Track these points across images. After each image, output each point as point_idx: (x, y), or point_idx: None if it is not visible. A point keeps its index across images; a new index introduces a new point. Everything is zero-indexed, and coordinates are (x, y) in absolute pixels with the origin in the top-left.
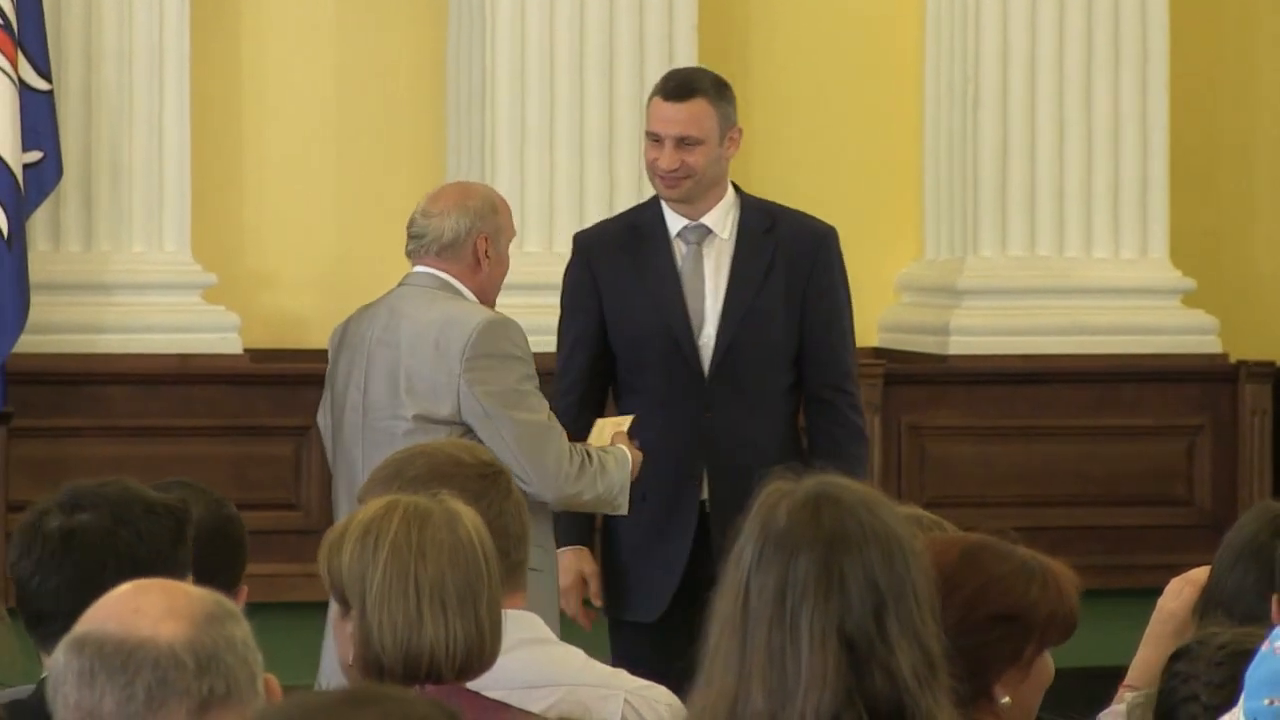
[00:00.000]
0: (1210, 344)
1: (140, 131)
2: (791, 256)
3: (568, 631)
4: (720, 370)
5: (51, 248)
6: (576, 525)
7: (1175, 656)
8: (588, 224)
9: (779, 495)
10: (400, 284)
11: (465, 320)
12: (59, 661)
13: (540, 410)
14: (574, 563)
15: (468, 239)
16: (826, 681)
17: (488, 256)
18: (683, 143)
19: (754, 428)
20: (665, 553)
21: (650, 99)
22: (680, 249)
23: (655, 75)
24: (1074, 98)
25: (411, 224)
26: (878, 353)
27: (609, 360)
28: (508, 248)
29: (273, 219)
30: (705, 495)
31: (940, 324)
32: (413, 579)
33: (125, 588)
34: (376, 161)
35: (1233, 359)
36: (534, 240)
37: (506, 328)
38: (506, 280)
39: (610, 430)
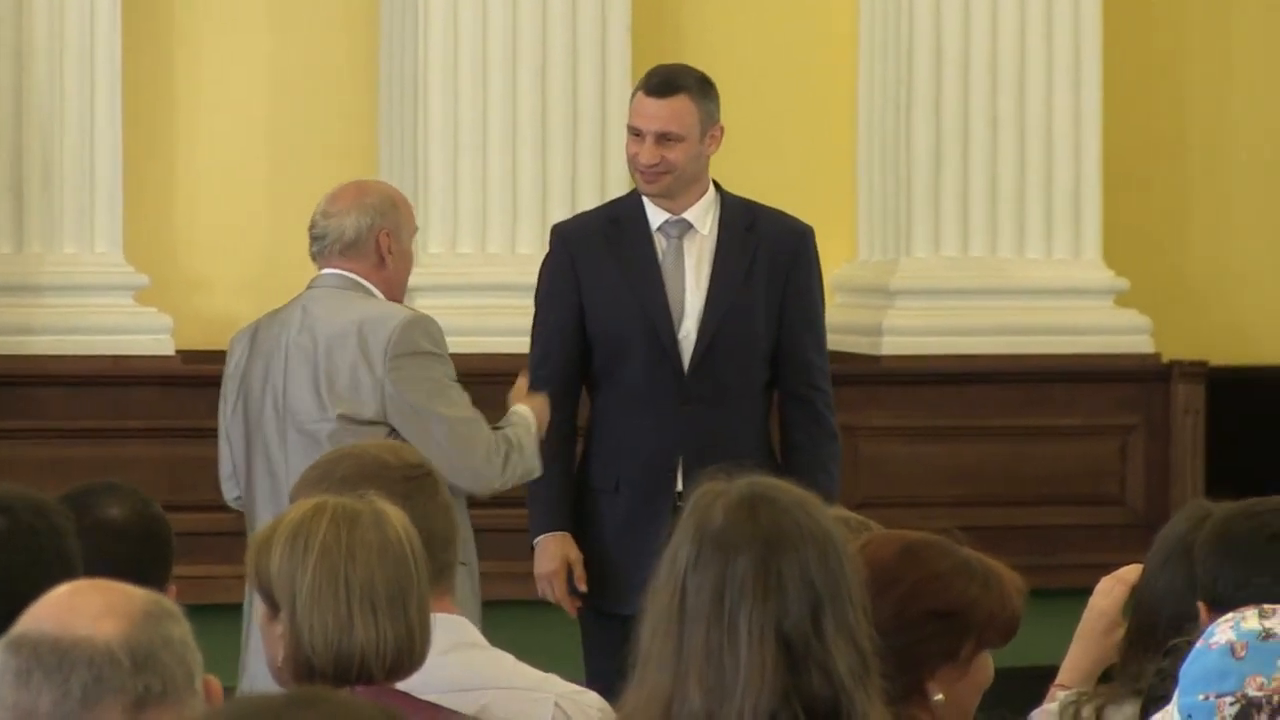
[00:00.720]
0: (1143, 344)
1: (72, 132)
2: (772, 254)
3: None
4: (700, 365)
5: None
6: (558, 511)
7: (1164, 654)
8: (521, 220)
9: (713, 495)
10: (309, 287)
11: (385, 319)
12: None
13: (464, 405)
14: (559, 548)
15: (369, 236)
16: (764, 680)
17: (390, 252)
18: (663, 138)
19: (730, 422)
20: (641, 546)
21: (634, 94)
22: (661, 243)
23: (589, 75)
24: (1007, 99)
25: (312, 225)
26: None
27: (586, 352)
28: (410, 243)
29: (205, 221)
30: (680, 488)
31: (873, 324)
32: (343, 580)
33: (64, 588)
34: (309, 164)
35: (1165, 359)
36: (466, 240)
37: (426, 325)
38: (440, 281)
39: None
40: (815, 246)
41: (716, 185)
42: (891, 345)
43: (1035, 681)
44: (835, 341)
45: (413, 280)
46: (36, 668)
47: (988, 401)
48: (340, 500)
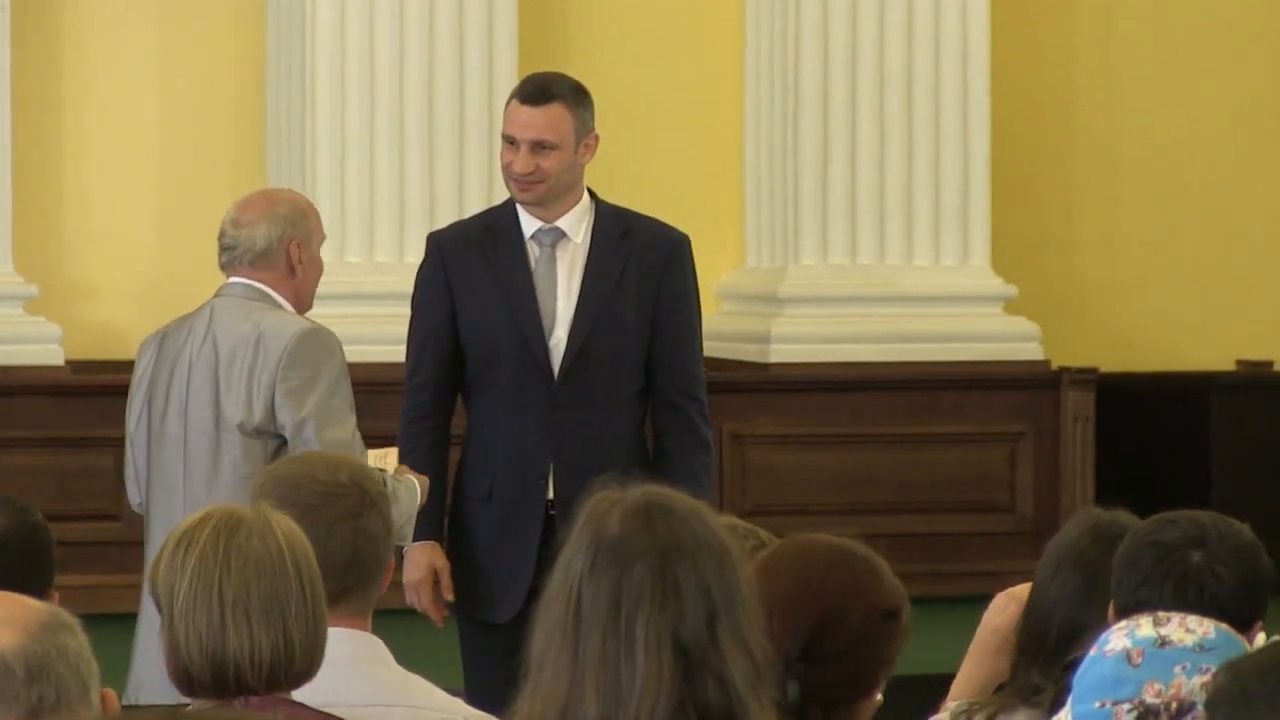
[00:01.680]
0: (1032, 351)
1: None
2: (645, 263)
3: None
4: (570, 372)
5: None
6: (427, 520)
7: (1065, 668)
8: (409, 229)
9: (608, 503)
10: (216, 295)
11: (282, 330)
12: None
13: (346, 428)
14: (425, 557)
15: (280, 246)
16: (660, 688)
17: (301, 262)
18: (538, 147)
19: (602, 430)
20: (514, 553)
21: (508, 102)
22: (534, 251)
23: (475, 77)
24: (895, 105)
25: (222, 235)
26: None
27: (460, 359)
28: (319, 251)
29: (93, 230)
30: (551, 495)
31: (761, 332)
32: (217, 588)
33: None
34: (197, 171)
35: (1054, 366)
36: (354, 249)
37: (321, 337)
38: (327, 290)
39: (377, 462)
40: (690, 255)
41: (592, 194)
42: (780, 353)
43: (926, 689)
44: (723, 349)
45: None
46: None
47: (877, 409)
48: (228, 509)
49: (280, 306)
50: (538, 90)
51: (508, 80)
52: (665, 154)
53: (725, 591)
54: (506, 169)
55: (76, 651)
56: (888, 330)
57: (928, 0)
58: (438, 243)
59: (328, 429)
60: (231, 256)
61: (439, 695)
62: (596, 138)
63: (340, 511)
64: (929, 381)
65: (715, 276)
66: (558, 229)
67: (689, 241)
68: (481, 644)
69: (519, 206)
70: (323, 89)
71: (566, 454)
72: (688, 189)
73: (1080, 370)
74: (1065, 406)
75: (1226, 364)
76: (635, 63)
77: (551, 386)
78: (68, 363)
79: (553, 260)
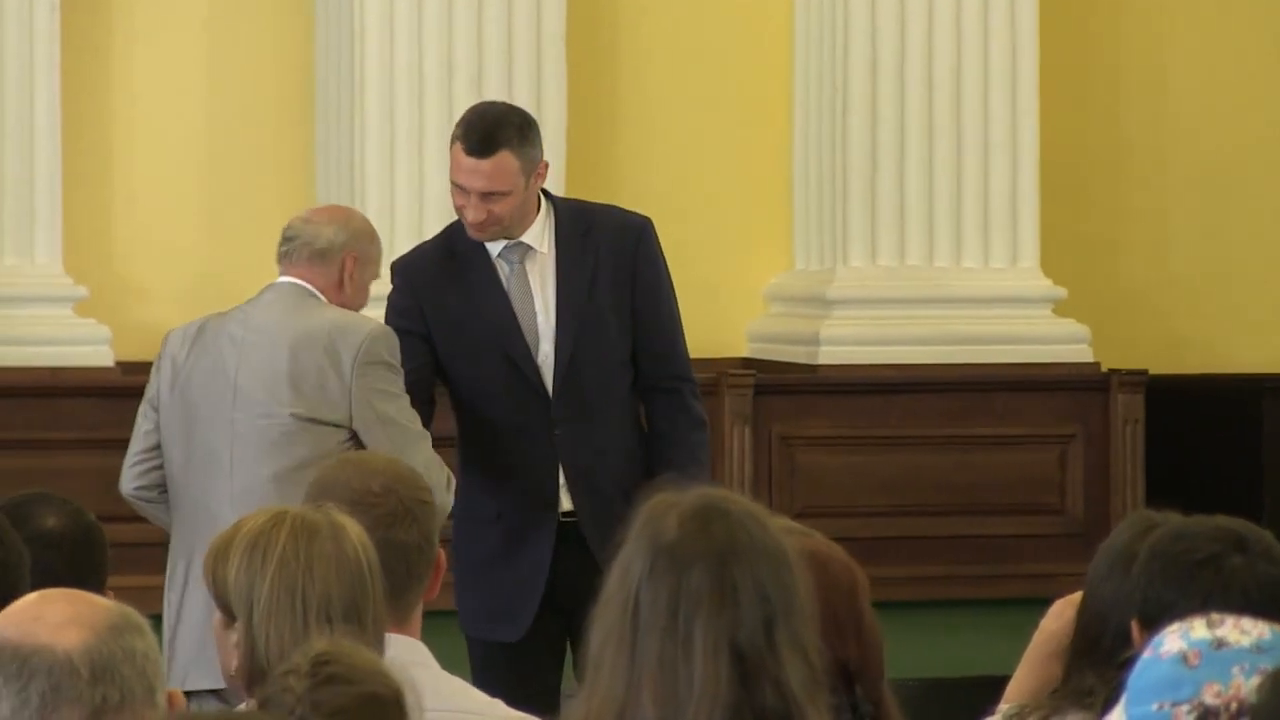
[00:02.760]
0: (1082, 353)
1: (10, 144)
2: (613, 254)
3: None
4: (564, 385)
5: None
6: None
7: (1118, 667)
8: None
9: (666, 506)
10: (263, 291)
11: (356, 327)
12: None
13: (415, 420)
14: None
15: (339, 253)
16: (718, 693)
17: (351, 278)
18: (488, 196)
19: (604, 435)
20: (523, 572)
21: (452, 143)
22: (504, 270)
23: (524, 83)
24: (943, 106)
25: (288, 227)
26: (747, 363)
27: (435, 386)
28: (370, 281)
29: (143, 231)
30: (564, 508)
31: (810, 334)
32: (300, 593)
33: (34, 595)
34: (246, 173)
35: (1104, 368)
36: (403, 251)
37: (391, 338)
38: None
39: None
40: (655, 237)
41: (547, 195)
42: (828, 355)
43: (975, 692)
44: (772, 351)
45: None
46: None
47: (925, 411)
48: (300, 511)
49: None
50: (482, 141)
51: (556, 82)
52: (713, 156)
53: (782, 596)
54: (459, 211)
55: (143, 653)
56: (936, 332)
57: (976, 1)
58: (405, 275)
59: (405, 420)
60: (290, 248)
61: (479, 698)
62: (546, 165)
63: (368, 520)
64: (978, 383)
65: (763, 278)
66: (522, 244)
67: (651, 224)
68: (491, 663)
69: None
70: (371, 91)
71: (574, 465)
72: (736, 191)
73: (1130, 372)
74: (1115, 409)
75: (1278, 366)
76: (684, 65)
77: (547, 403)
78: (117, 364)
79: (524, 275)
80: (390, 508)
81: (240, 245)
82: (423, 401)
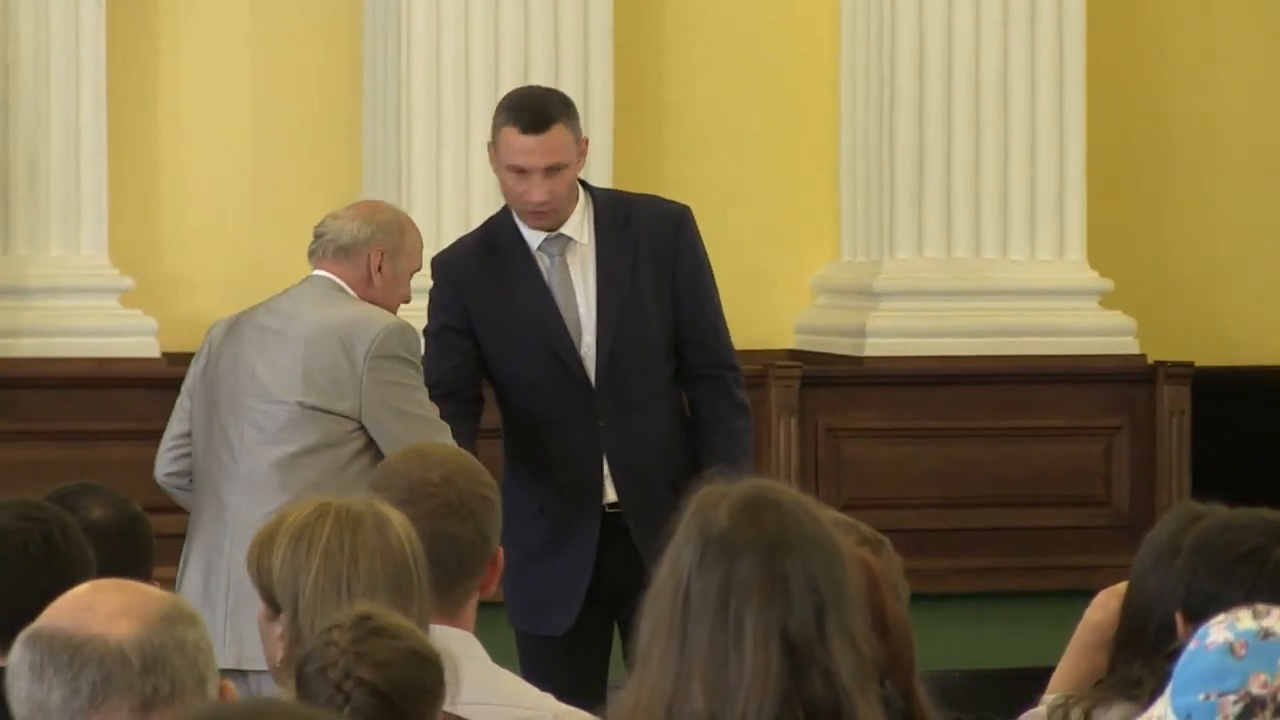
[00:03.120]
0: (1128, 345)
1: (57, 136)
2: (652, 244)
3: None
4: (607, 376)
5: None
6: None
7: (1166, 657)
8: None
9: (716, 497)
10: (299, 283)
11: (372, 321)
12: (14, 655)
13: (432, 410)
14: None
15: (364, 247)
16: (768, 683)
17: (380, 272)
18: (550, 171)
19: (648, 424)
20: (569, 565)
21: (500, 130)
22: (544, 263)
23: (571, 80)
24: (990, 99)
25: (319, 224)
26: (794, 354)
27: (480, 382)
28: (408, 275)
29: (190, 223)
30: (608, 500)
31: (857, 326)
32: (345, 583)
33: (86, 586)
34: (292, 165)
35: (1150, 360)
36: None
37: (406, 332)
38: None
39: None
40: (694, 224)
41: (583, 184)
42: (875, 347)
43: (1020, 683)
44: (818, 343)
45: None
46: (49, 663)
47: (972, 403)
48: (343, 502)
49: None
50: (536, 117)
51: (603, 74)
52: (761, 148)
53: (832, 586)
54: (520, 198)
55: (195, 644)
56: (983, 324)
57: None
58: (445, 272)
59: (419, 411)
60: (317, 245)
61: (530, 691)
62: (587, 141)
63: (422, 510)
64: (1024, 375)
65: (810, 270)
66: (563, 236)
67: (690, 211)
68: (538, 655)
69: (517, 219)
70: (418, 83)
71: (618, 457)
72: (783, 183)
73: (1176, 364)
74: (1161, 400)
75: None
76: (730, 58)
77: (591, 395)
78: (163, 355)
79: (565, 268)
80: (446, 499)
81: (286, 237)
82: (468, 400)
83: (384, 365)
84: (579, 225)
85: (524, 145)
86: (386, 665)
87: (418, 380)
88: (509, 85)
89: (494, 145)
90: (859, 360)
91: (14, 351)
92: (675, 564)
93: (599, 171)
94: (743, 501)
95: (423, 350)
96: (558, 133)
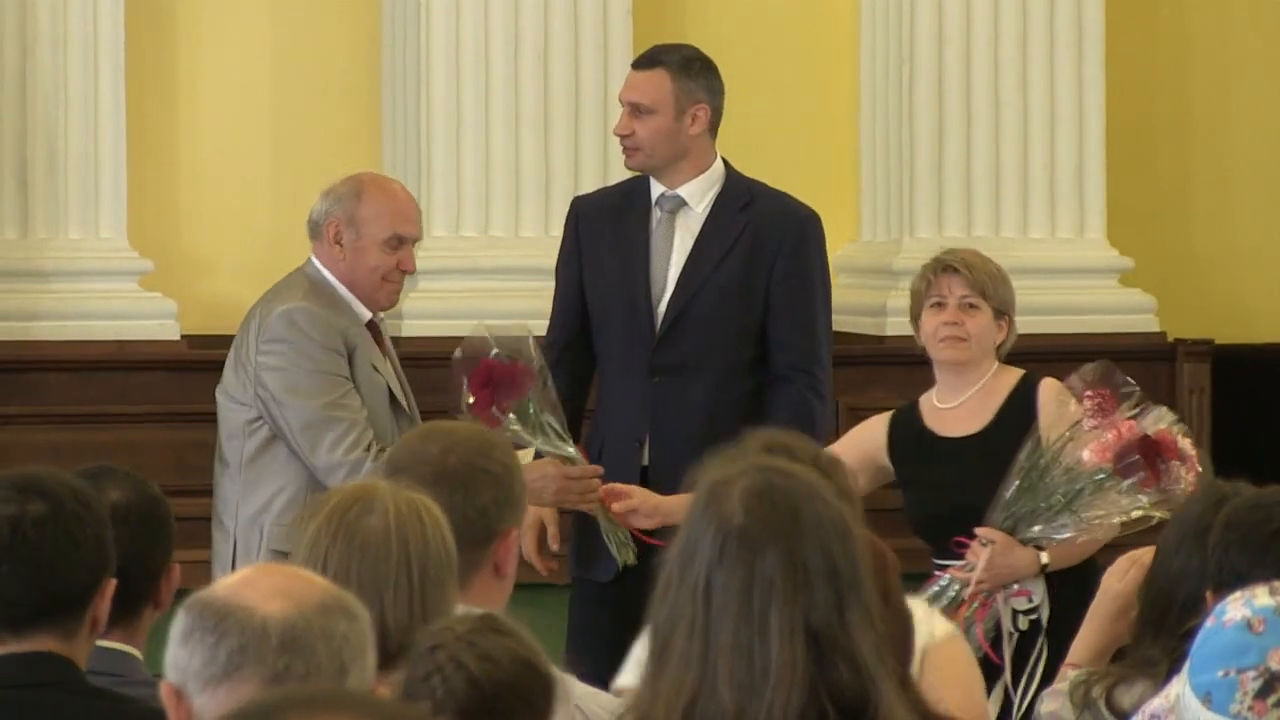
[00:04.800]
0: (1148, 323)
1: (76, 118)
2: (762, 236)
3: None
4: (666, 338)
5: None
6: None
7: (1182, 636)
8: (524, 207)
9: (725, 484)
10: None
11: (276, 304)
12: (175, 619)
13: (322, 396)
14: (534, 509)
15: (324, 221)
16: (795, 677)
17: (339, 243)
18: (635, 110)
19: (699, 396)
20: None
21: None
22: (656, 216)
23: (590, 56)
24: (1009, 78)
25: None
26: None
27: (589, 325)
28: (376, 244)
29: (209, 205)
30: (646, 462)
31: (877, 305)
32: (322, 563)
33: (254, 566)
34: (312, 147)
35: (1170, 338)
36: (470, 225)
37: (296, 315)
38: (444, 265)
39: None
40: (818, 230)
41: (727, 165)
42: (896, 326)
43: None
44: (839, 322)
45: (421, 263)
46: (197, 628)
47: None
48: (364, 485)
49: (320, 286)
50: (646, 56)
51: (622, 52)
52: (780, 128)
53: (850, 567)
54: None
55: (344, 636)
56: None
57: None
58: (575, 209)
59: (300, 399)
60: (308, 229)
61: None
62: (707, 110)
63: (413, 480)
64: (1045, 353)
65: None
66: (678, 196)
67: (817, 218)
68: (584, 600)
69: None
70: (437, 63)
71: (661, 419)
72: (803, 162)
73: (1196, 342)
74: (1181, 378)
75: None
76: (750, 37)
77: (650, 351)
78: (183, 337)
79: (670, 227)
80: (440, 469)
81: (304, 219)
82: (567, 326)
83: (268, 349)
84: (699, 193)
85: (627, 80)
86: (492, 660)
87: (303, 364)
88: (528, 65)
89: None
90: (880, 339)
91: (34, 335)
92: (691, 556)
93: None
94: (755, 491)
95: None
96: (654, 75)
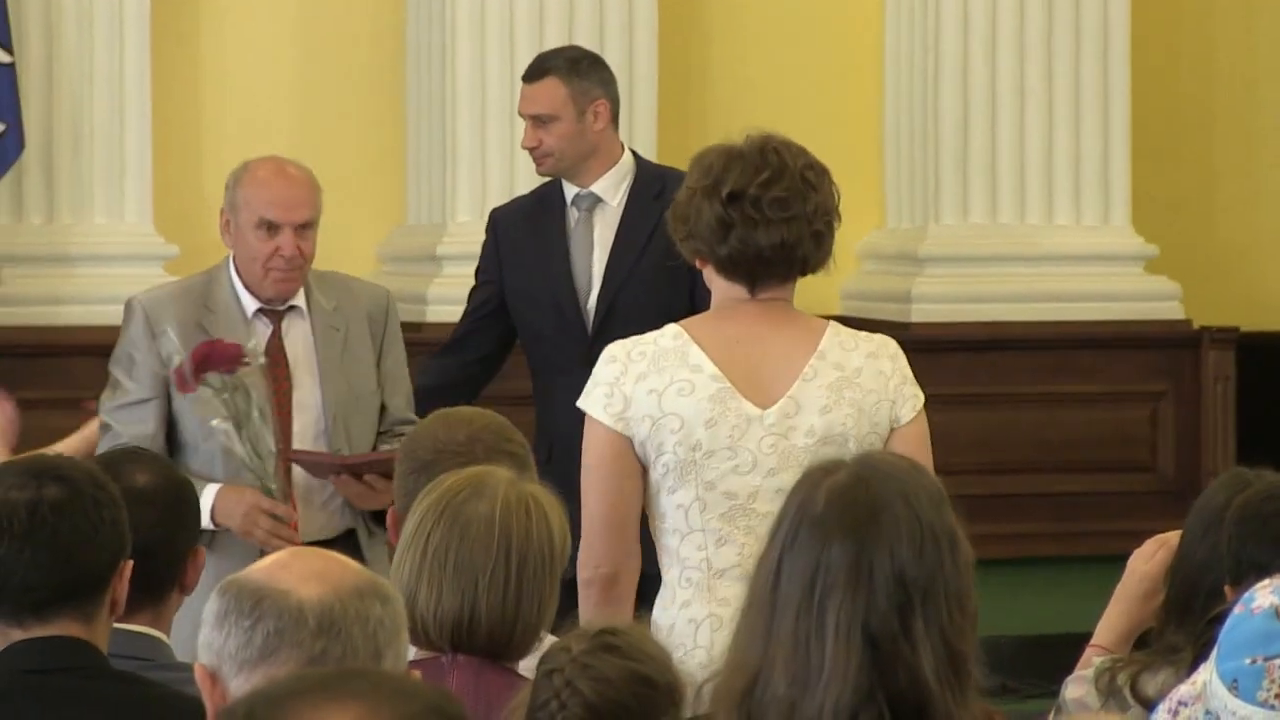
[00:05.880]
0: (1173, 310)
1: (101, 103)
2: None
3: None
4: (601, 333)
5: (13, 220)
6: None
7: (1208, 622)
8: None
9: (822, 474)
10: None
11: None
12: (209, 602)
13: (109, 400)
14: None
15: (222, 209)
16: (848, 677)
17: (228, 232)
18: (537, 121)
19: None
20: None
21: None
22: (573, 216)
23: (615, 40)
24: (1034, 64)
25: None
26: (840, 321)
27: (501, 330)
28: (251, 229)
29: None
30: None
31: (902, 292)
32: (424, 541)
33: (291, 550)
34: (336, 132)
35: (1195, 325)
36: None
37: (129, 305)
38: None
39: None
40: None
41: (636, 156)
42: (920, 313)
43: (1066, 648)
44: (864, 309)
45: (445, 248)
46: (232, 610)
47: (1017, 369)
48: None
49: (212, 275)
50: (533, 67)
51: (647, 38)
52: (805, 113)
53: (925, 579)
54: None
55: (379, 619)
56: (1028, 290)
57: None
58: (492, 220)
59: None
60: None
61: None
62: (606, 103)
63: (447, 470)
64: (1069, 341)
65: (856, 237)
66: (593, 194)
67: None
68: None
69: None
70: (462, 47)
71: None
72: (828, 148)
73: (1221, 329)
74: (1206, 366)
75: None
76: (775, 24)
77: (586, 349)
78: None
79: (589, 225)
80: (472, 457)
81: (330, 203)
82: (465, 355)
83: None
84: (613, 187)
85: (521, 93)
86: (607, 682)
87: (115, 372)
88: (554, 44)
89: None
90: (904, 326)
91: (59, 319)
92: (774, 537)
93: (643, 137)
94: (843, 485)
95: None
96: (548, 84)
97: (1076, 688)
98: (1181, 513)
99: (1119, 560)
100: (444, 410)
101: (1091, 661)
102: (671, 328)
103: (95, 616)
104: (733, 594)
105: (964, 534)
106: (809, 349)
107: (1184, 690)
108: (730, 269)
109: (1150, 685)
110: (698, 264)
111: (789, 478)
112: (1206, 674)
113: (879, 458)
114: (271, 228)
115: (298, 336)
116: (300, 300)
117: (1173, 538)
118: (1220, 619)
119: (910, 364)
